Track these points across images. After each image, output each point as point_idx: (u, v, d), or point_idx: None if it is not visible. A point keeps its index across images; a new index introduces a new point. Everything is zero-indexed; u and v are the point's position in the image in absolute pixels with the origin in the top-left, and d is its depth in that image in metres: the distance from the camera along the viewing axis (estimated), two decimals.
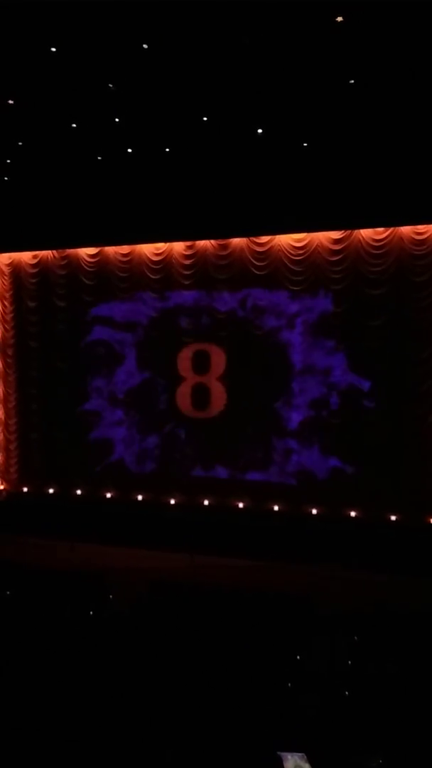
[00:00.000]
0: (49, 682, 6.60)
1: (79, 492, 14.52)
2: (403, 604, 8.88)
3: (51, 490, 14.81)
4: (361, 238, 12.19)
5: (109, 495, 14.23)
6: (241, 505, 13.12)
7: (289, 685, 6.79)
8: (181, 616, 8.65)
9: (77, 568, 11.19)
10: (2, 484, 15.44)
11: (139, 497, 13.94)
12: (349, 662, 7.18)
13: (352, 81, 8.68)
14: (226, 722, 5.65)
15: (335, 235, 12.37)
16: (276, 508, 12.84)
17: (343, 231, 12.31)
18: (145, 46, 7.93)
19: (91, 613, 9.23)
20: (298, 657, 7.42)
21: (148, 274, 13.85)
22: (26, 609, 9.07)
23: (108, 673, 6.87)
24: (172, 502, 13.63)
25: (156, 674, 6.78)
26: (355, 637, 7.72)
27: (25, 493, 15.08)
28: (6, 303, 15.28)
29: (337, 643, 7.13)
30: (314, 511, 12.51)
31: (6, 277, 15.24)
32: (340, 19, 7.26)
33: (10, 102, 9.44)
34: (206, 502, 13.35)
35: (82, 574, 10.62)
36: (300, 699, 6.18)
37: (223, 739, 5.38)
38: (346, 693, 6.58)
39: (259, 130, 10.17)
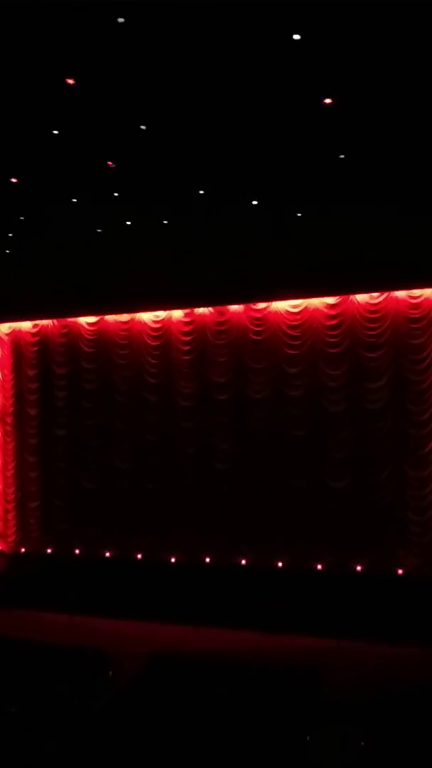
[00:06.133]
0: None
1: (77, 551, 14.27)
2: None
3: (48, 552, 14.59)
4: (357, 303, 12.39)
5: (108, 554, 14.00)
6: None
7: None
8: (181, 694, 8.34)
9: (75, 641, 10.83)
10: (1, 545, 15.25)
11: (139, 556, 13.72)
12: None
13: (343, 156, 8.98)
14: None
15: (331, 300, 12.59)
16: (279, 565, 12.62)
17: (338, 296, 12.51)
18: (143, 127, 8.26)
19: (90, 685, 8.94)
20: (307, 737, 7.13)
21: (148, 341, 13.99)
22: (21, 686, 8.77)
23: (108, 753, 6.59)
24: (173, 560, 13.39)
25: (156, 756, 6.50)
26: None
27: (23, 560, 14.81)
28: (6, 371, 15.39)
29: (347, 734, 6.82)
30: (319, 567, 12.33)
31: (6, 346, 15.40)
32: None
33: (14, 180, 9.76)
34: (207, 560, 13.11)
35: (80, 649, 10.30)
36: None
37: None
38: None
39: (254, 201, 10.47)
